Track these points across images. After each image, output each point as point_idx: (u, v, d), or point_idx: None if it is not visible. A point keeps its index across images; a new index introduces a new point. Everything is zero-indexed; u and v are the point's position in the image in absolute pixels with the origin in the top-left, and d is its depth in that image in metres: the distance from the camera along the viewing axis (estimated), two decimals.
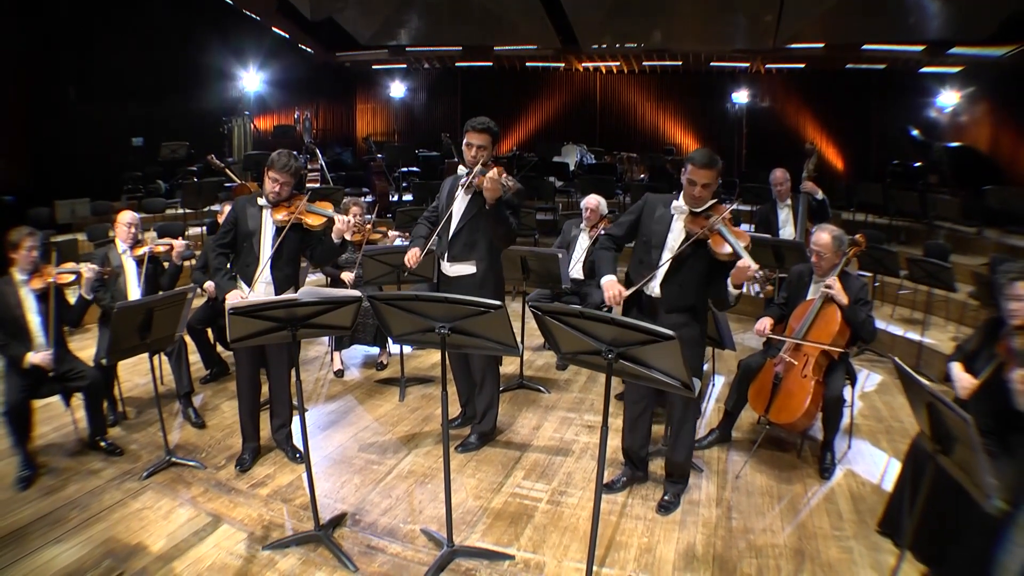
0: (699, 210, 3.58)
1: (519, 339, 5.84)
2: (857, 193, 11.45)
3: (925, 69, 14.01)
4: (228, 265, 4.33)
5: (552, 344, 2.79)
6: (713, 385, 5.91)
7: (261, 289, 4.25)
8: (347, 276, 6.12)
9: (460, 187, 4.23)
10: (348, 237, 4.24)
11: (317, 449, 4.60)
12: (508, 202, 4.18)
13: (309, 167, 13.47)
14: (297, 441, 4.47)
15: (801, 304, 4.46)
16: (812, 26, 12.63)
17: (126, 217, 5.26)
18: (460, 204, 4.28)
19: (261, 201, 4.25)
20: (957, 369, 3.44)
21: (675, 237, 3.66)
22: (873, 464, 4.53)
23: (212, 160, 10.24)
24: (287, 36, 16.01)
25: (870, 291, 4.83)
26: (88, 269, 4.55)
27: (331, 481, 4.20)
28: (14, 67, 10.76)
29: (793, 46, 13.65)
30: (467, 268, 4.35)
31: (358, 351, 6.62)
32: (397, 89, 18.97)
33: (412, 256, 4.31)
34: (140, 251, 5.21)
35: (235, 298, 4.06)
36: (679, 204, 3.66)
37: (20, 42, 10.77)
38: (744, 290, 3.47)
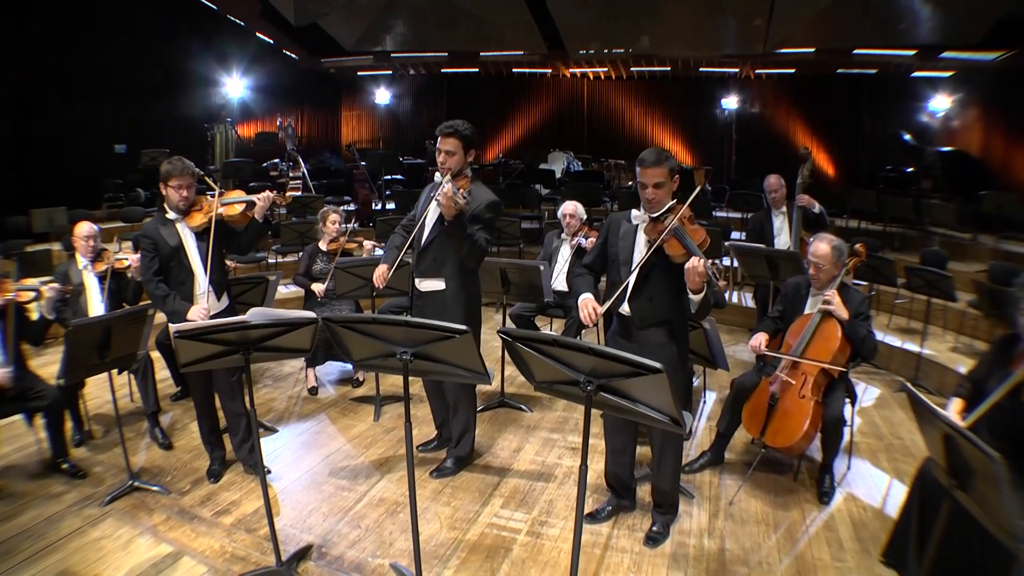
0: (658, 214, 3.31)
1: (499, 355, 5.58)
2: (850, 199, 11.29)
3: (917, 74, 13.88)
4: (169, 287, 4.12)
5: (524, 372, 2.52)
6: (704, 403, 5.64)
7: (203, 302, 4.07)
8: (318, 287, 5.86)
9: (433, 197, 3.96)
10: (279, 202, 4.29)
11: (285, 473, 4.37)
12: (478, 216, 3.93)
13: (291, 175, 13.26)
14: (265, 460, 4.27)
15: (798, 319, 4.19)
16: (802, 30, 12.43)
17: (83, 229, 5.07)
18: (432, 216, 4.02)
19: (171, 216, 4.09)
20: (952, 408, 3.23)
21: (640, 250, 3.40)
22: (874, 486, 4.28)
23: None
24: (271, 41, 15.74)
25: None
26: (49, 288, 4.37)
27: (298, 509, 3.94)
28: None
29: (783, 51, 13.48)
30: (437, 284, 4.09)
31: (334, 367, 6.32)
32: (382, 96, 18.75)
33: (379, 274, 4.11)
34: (102, 267, 5.05)
35: (199, 313, 3.94)
36: (639, 213, 3.41)
37: (2, 47, 10.58)
38: (704, 293, 3.18)
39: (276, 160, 14.27)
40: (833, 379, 4.05)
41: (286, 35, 15.44)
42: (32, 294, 4.30)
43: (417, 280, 4.13)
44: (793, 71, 15.44)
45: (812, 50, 13.45)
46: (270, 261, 9.37)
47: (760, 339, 4.19)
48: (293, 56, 16.76)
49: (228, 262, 6.09)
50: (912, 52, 12.75)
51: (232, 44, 15.11)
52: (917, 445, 4.84)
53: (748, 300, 8.21)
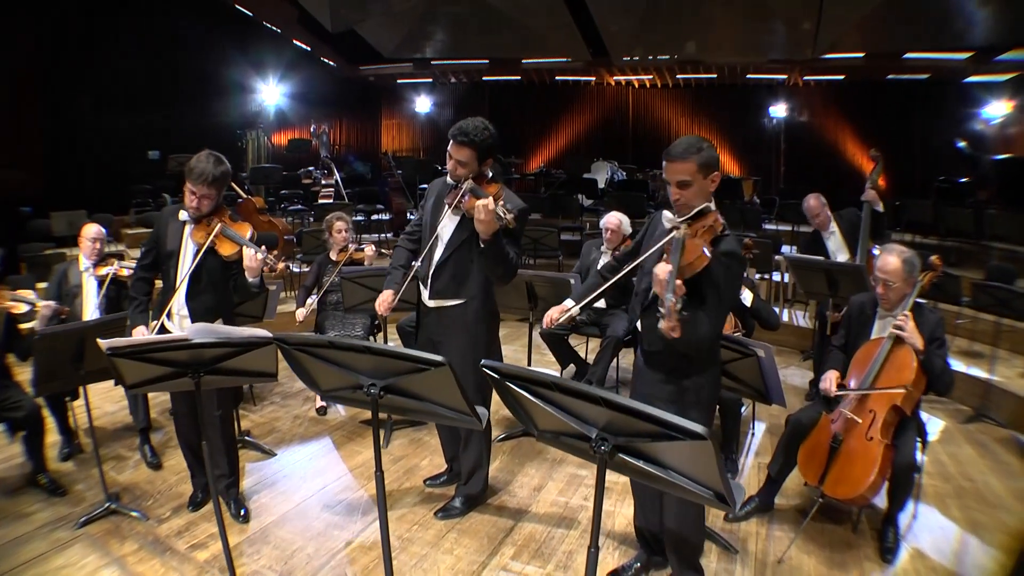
0: (683, 220, 2.66)
1: (527, 364, 5.04)
2: (905, 211, 10.63)
3: (971, 79, 13.09)
4: (147, 294, 3.73)
5: (521, 418, 1.97)
6: (753, 435, 5.03)
7: (178, 322, 3.60)
8: (310, 300, 5.55)
9: (446, 204, 3.42)
10: (266, 271, 3.52)
11: (275, 504, 3.94)
12: (508, 229, 3.37)
13: (323, 183, 12.98)
14: (242, 496, 3.96)
15: (864, 345, 3.58)
16: (852, 35, 11.84)
17: (91, 231, 4.88)
18: (447, 226, 3.47)
19: (183, 215, 3.59)
20: None
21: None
22: (943, 539, 3.67)
23: None
24: (308, 49, 15.56)
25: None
26: (45, 306, 4.16)
27: (280, 547, 3.48)
28: (31, 77, 10.70)
29: (831, 56, 12.92)
30: (454, 301, 3.55)
31: None
32: (423, 104, 18.48)
33: (383, 301, 3.56)
34: (103, 271, 4.82)
35: (138, 335, 3.52)
36: (668, 214, 2.79)
37: (36, 52, 10.70)
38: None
39: (311, 168, 14.03)
40: (905, 417, 3.45)
41: (324, 42, 15.26)
42: (26, 307, 4.12)
43: (430, 300, 3.60)
44: (842, 77, 14.83)
45: (861, 55, 12.88)
46: (293, 270, 8.99)
47: (831, 378, 3.58)
48: (331, 63, 16.57)
49: None
50: (966, 56, 12.02)
51: (269, 51, 14.96)
52: (992, 490, 4.24)
53: (800, 319, 7.59)
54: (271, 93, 15.42)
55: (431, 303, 3.59)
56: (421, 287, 3.65)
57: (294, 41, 15.21)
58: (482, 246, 3.26)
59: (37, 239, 9.05)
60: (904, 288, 3.52)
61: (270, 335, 2.45)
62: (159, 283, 3.77)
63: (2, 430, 4.16)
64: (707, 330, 2.54)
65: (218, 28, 13.42)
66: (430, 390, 2.10)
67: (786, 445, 3.70)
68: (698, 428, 1.51)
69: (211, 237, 3.47)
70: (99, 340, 2.37)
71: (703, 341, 2.55)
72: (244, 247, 3.46)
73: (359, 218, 11.53)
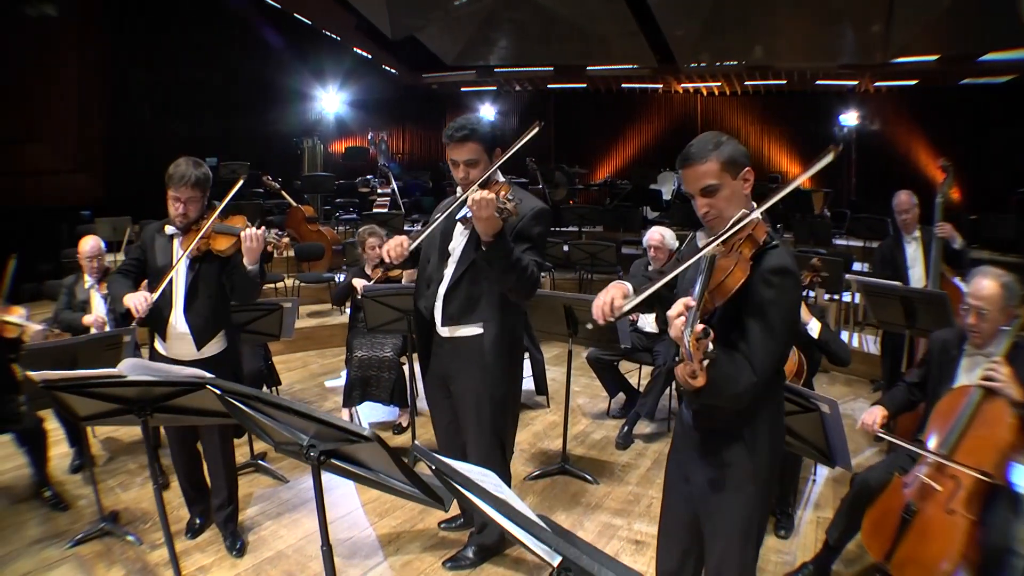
0: (722, 238, 2.01)
1: (565, 395, 4.56)
2: (985, 226, 9.86)
3: None
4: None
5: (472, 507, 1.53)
6: (814, 482, 4.38)
7: (177, 343, 3.31)
8: (359, 283, 5.13)
9: (457, 220, 2.95)
10: (270, 249, 3.19)
11: (275, 538, 3.64)
12: (524, 232, 2.92)
13: (379, 191, 12.80)
14: (241, 528, 3.70)
15: (948, 395, 2.93)
16: (924, 37, 11.18)
17: (86, 247, 4.67)
18: (458, 242, 3.06)
19: (169, 229, 3.30)
20: None
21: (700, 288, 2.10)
22: None
23: (267, 181, 10.12)
24: (369, 56, 15.46)
25: None
26: (34, 330, 4.01)
27: None
28: (96, 85, 10.93)
29: (903, 60, 12.28)
30: (471, 329, 3.10)
31: (374, 408, 5.41)
32: (487, 112, 18.21)
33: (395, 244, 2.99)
34: (106, 289, 4.59)
35: (135, 300, 3.08)
36: (703, 236, 2.20)
37: (101, 61, 10.97)
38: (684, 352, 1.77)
39: (369, 176, 13.90)
40: (997, 485, 2.76)
41: (384, 50, 15.19)
42: (17, 330, 4.01)
43: (443, 327, 3.14)
44: (915, 83, 14.11)
45: (934, 58, 12.19)
46: (338, 279, 8.73)
47: (875, 415, 3.04)
48: (392, 71, 16.47)
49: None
50: None
51: (328, 58, 14.95)
52: None
53: (870, 344, 6.94)
54: (331, 101, 15.42)
55: (445, 332, 3.15)
56: (441, 323, 3.18)
57: (354, 49, 15.16)
58: (483, 249, 2.75)
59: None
60: (1000, 319, 2.92)
61: (207, 376, 2.08)
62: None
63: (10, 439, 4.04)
64: (748, 377, 1.91)
65: (278, 36, 13.44)
66: (372, 461, 1.70)
67: (849, 509, 3.10)
68: None
69: (200, 235, 3.19)
70: (30, 373, 2.07)
71: (744, 394, 1.91)
72: (241, 232, 3.12)
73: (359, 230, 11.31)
